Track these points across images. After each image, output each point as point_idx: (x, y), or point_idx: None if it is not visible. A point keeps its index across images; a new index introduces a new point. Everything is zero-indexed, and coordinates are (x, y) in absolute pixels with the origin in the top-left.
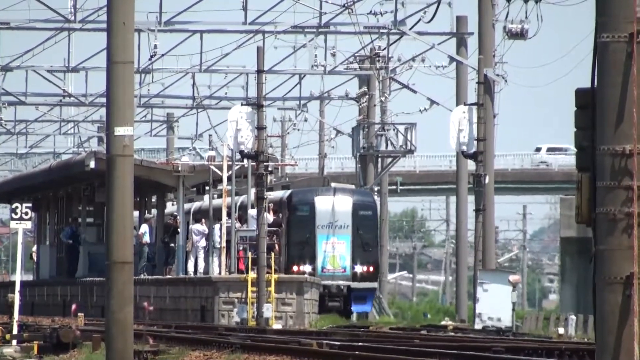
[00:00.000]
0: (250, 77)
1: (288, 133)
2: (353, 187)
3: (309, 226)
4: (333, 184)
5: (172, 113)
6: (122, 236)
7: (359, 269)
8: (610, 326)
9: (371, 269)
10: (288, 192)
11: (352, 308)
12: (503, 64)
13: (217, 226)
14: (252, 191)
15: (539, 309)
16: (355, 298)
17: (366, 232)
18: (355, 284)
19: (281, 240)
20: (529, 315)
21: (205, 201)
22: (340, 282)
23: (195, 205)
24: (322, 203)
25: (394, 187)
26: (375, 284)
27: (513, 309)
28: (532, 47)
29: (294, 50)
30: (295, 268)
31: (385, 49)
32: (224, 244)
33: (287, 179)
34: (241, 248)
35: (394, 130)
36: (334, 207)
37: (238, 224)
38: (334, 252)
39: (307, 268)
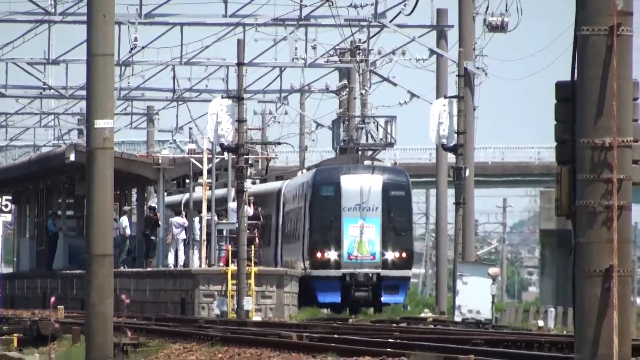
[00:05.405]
0: (231, 70)
1: (268, 126)
2: (384, 163)
3: (334, 208)
4: (366, 162)
5: (153, 106)
6: (102, 229)
7: (389, 255)
8: (589, 319)
9: (404, 255)
10: (313, 171)
11: (382, 299)
12: (483, 57)
13: (197, 219)
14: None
15: (519, 301)
16: (386, 288)
17: (398, 214)
18: (385, 272)
19: (303, 223)
20: (509, 307)
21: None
22: (369, 270)
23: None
24: (349, 182)
25: None
26: (408, 272)
27: (492, 302)
28: (512, 40)
29: (274, 43)
30: (318, 255)
31: (365, 41)
32: (204, 237)
33: (266, 172)
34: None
35: (374, 123)
36: (362, 186)
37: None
38: (362, 237)
39: (332, 255)
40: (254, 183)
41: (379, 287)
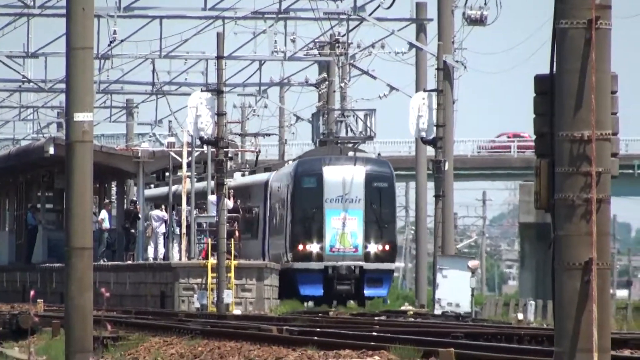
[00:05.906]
0: (210, 63)
1: (248, 119)
2: (367, 154)
3: (316, 200)
4: (350, 153)
5: (132, 99)
6: (81, 222)
7: (372, 248)
8: (568, 312)
9: (387, 247)
10: (295, 162)
11: (365, 292)
12: (462, 50)
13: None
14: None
15: (498, 294)
16: (368, 281)
17: (381, 206)
18: (368, 265)
19: (285, 215)
20: (488, 300)
21: (237, 179)
22: (351, 263)
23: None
24: (331, 173)
25: None
26: (392, 265)
27: (472, 295)
28: (492, 33)
29: (253, 36)
30: (300, 247)
31: (344, 35)
32: (184, 230)
33: (247, 166)
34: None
35: (353, 116)
36: (345, 178)
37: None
38: (345, 229)
39: (314, 247)
40: (243, 175)
41: (362, 280)
